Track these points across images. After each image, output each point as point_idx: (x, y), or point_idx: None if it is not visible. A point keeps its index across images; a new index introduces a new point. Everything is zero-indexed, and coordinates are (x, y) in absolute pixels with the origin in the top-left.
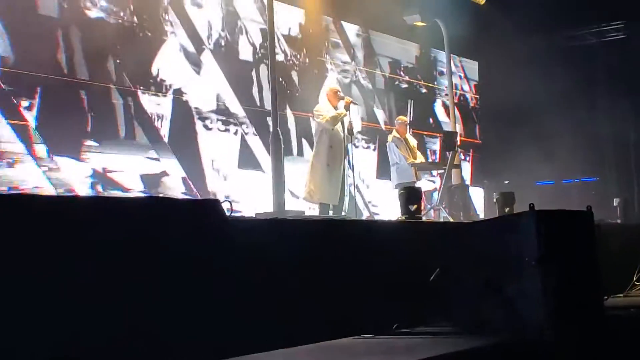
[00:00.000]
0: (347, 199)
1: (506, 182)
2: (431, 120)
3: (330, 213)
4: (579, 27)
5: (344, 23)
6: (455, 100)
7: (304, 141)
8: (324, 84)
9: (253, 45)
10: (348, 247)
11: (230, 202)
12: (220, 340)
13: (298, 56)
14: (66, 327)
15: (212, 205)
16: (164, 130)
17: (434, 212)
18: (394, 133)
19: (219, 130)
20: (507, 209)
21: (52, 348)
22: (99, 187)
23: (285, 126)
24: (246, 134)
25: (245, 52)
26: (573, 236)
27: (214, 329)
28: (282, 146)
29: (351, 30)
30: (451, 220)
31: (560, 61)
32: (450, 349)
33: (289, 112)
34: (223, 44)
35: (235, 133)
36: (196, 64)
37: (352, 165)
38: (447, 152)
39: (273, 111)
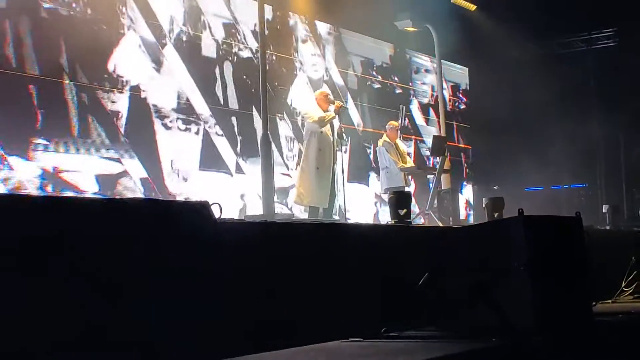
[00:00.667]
0: (337, 201)
1: (495, 187)
2: (407, 121)
3: (320, 216)
4: (569, 34)
5: (314, 21)
6: (432, 102)
7: (273, 143)
8: (293, 82)
9: (217, 41)
10: (337, 250)
11: (219, 205)
12: (209, 342)
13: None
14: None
15: (201, 208)
16: (121, 129)
17: (424, 216)
18: (385, 137)
19: (179, 129)
20: (496, 214)
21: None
22: (49, 188)
23: (251, 127)
24: (209, 133)
25: (209, 49)
26: (562, 242)
27: (202, 331)
28: (273, 150)
29: (322, 28)
30: (440, 225)
31: (550, 68)
32: (438, 354)
33: (254, 112)
34: (185, 39)
35: (197, 132)
36: (156, 60)
37: (342, 168)
38: (437, 158)
39: (263, 113)
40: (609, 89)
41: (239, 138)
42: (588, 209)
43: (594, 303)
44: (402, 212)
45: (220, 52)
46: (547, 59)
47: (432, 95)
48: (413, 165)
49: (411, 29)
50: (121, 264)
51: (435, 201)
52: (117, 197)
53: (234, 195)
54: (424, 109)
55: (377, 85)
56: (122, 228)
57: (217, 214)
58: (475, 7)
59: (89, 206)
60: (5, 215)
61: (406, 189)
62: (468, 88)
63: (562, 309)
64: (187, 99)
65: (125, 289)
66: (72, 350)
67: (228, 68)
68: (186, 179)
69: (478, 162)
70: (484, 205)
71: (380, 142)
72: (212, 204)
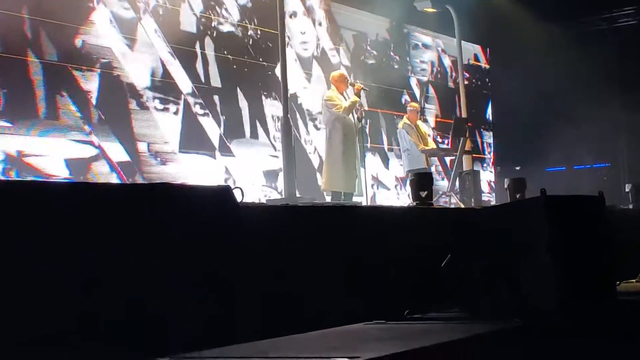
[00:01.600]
0: (357, 180)
1: (517, 168)
2: (404, 99)
3: (342, 199)
4: (590, 13)
5: None
6: (432, 79)
7: (257, 123)
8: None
9: (196, 15)
10: (360, 233)
11: (241, 189)
12: (231, 327)
13: (247, 26)
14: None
15: (223, 193)
16: (93, 110)
17: (446, 198)
18: (405, 120)
19: (157, 109)
20: (518, 195)
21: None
22: (13, 174)
23: (235, 107)
24: (189, 113)
25: (188, 23)
26: (585, 222)
27: (224, 316)
28: (293, 134)
29: (313, 1)
30: (462, 206)
31: (571, 47)
32: (461, 335)
33: (239, 91)
34: (162, 12)
35: (176, 112)
36: (130, 35)
37: (364, 152)
38: (457, 139)
39: (284, 96)
40: (631, 68)
41: (222, 118)
42: (611, 189)
43: (617, 282)
44: (424, 193)
45: (201, 28)
46: (568, 37)
47: (432, 72)
48: (435, 146)
49: (430, 9)
50: (142, 249)
51: (457, 182)
52: (129, 182)
53: (218, 178)
54: (423, 86)
55: (371, 61)
56: (143, 214)
57: (239, 199)
58: None
59: (109, 192)
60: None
61: (428, 170)
62: (470, 62)
63: (586, 289)
64: (165, 77)
65: (145, 273)
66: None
67: (209, 43)
68: (165, 162)
69: (500, 143)
70: (505, 186)
71: (400, 125)
72: (234, 188)
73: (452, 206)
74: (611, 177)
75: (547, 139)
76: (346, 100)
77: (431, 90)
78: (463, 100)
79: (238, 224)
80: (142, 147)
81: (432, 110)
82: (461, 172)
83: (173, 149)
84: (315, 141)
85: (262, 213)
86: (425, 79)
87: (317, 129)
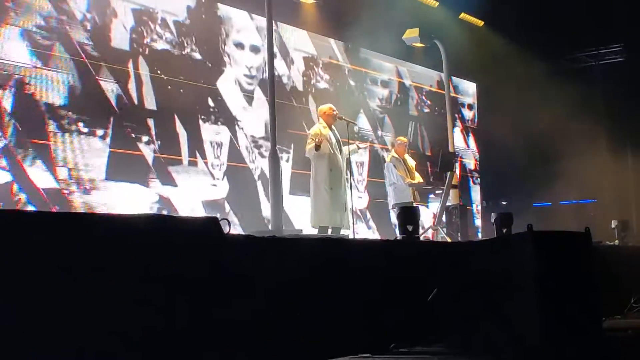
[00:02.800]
0: (345, 214)
1: (504, 203)
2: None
3: (329, 231)
4: (576, 50)
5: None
6: (390, 106)
7: (196, 149)
8: (219, 80)
9: (127, 30)
10: (345, 265)
11: (227, 220)
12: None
13: (185, 45)
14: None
15: (210, 224)
16: (6, 131)
17: (432, 232)
18: (393, 153)
19: (82, 132)
20: (505, 230)
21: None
22: None
23: (172, 131)
24: (119, 136)
25: (120, 40)
26: (571, 257)
27: (211, 346)
28: (280, 166)
29: (260, 21)
30: (449, 240)
31: (558, 83)
32: None
33: (175, 114)
34: (90, 27)
35: (103, 137)
36: (45, 50)
37: (351, 184)
38: (444, 173)
39: (272, 129)
40: (616, 104)
41: (157, 142)
42: (597, 225)
43: (603, 318)
44: (411, 227)
45: (134, 45)
46: (555, 74)
47: (390, 99)
48: (422, 180)
49: (419, 44)
50: (129, 278)
51: (444, 217)
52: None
53: (150, 209)
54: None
55: (323, 85)
56: (127, 244)
57: (225, 229)
58: (483, 22)
59: (102, 224)
60: None
61: (414, 204)
62: (477, 103)
63: (572, 324)
64: (91, 97)
65: (131, 302)
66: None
67: (142, 62)
68: (89, 191)
69: (486, 178)
70: (492, 221)
71: (388, 158)
72: (221, 219)
73: (439, 240)
74: (597, 213)
75: (533, 174)
76: (333, 134)
77: (387, 119)
78: (450, 133)
79: (225, 254)
80: (62, 173)
81: (389, 137)
82: (448, 206)
83: (99, 176)
84: (259, 169)
85: (248, 244)
86: (383, 103)
87: (263, 156)
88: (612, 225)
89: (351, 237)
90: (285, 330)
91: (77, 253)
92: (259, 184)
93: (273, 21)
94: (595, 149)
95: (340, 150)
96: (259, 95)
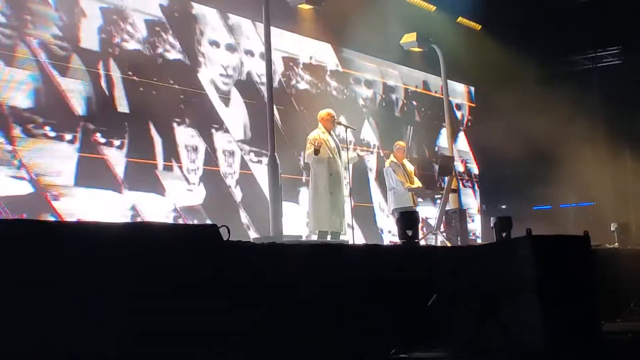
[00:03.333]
0: (344, 220)
1: (503, 206)
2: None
3: (328, 237)
4: (575, 53)
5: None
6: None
7: (171, 154)
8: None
9: (97, 30)
10: (345, 271)
11: (227, 227)
12: None
13: (157, 44)
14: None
15: (209, 231)
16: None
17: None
18: (392, 158)
19: (48, 137)
20: (504, 234)
21: None
22: None
23: (144, 134)
24: (89, 142)
25: (89, 40)
26: (570, 261)
27: (210, 351)
28: (280, 171)
29: (235, 19)
30: (448, 245)
31: (556, 86)
32: None
33: (149, 117)
34: (57, 26)
35: (72, 141)
36: (7, 51)
37: (350, 189)
38: (443, 178)
39: (270, 133)
40: (615, 107)
41: (129, 147)
42: (596, 228)
43: (602, 322)
44: (410, 232)
45: (104, 46)
46: (553, 77)
47: (377, 102)
48: (420, 185)
49: (417, 49)
50: (130, 285)
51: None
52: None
53: (123, 216)
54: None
55: (303, 86)
56: (126, 252)
57: (224, 237)
58: (480, 26)
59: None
60: None
61: (414, 209)
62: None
63: (571, 328)
64: (57, 100)
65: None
66: None
67: (113, 64)
68: (57, 198)
69: (485, 182)
70: (492, 225)
71: (387, 163)
72: (220, 226)
73: (439, 244)
74: (596, 216)
75: (533, 178)
76: (332, 139)
77: (372, 120)
78: (449, 137)
79: (224, 260)
80: (31, 180)
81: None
82: (447, 211)
83: (67, 182)
84: (237, 173)
85: (247, 250)
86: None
87: (243, 160)
88: (612, 228)
89: (350, 242)
90: (285, 335)
91: (73, 260)
92: (237, 189)
93: (257, 22)
94: (593, 152)
95: (340, 155)
96: (235, 96)
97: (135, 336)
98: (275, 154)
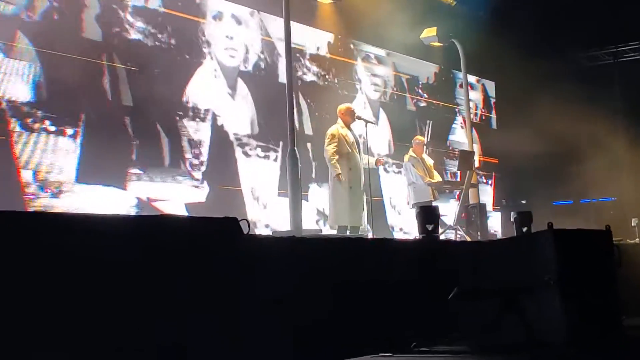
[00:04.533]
0: (364, 214)
1: (523, 201)
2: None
3: (347, 232)
4: (595, 48)
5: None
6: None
7: (176, 149)
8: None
9: (100, 21)
10: (365, 265)
11: (247, 220)
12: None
13: (160, 35)
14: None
15: (230, 224)
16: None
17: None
18: (411, 152)
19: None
20: (524, 229)
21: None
22: None
23: (151, 129)
24: (91, 137)
25: (92, 30)
26: (592, 256)
27: (232, 345)
28: (300, 165)
29: (238, 8)
30: (468, 239)
31: (577, 81)
32: None
33: (154, 111)
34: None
35: (74, 135)
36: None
37: (369, 184)
38: (464, 172)
39: (290, 130)
40: (635, 101)
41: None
42: (617, 223)
43: (623, 317)
44: (430, 227)
45: (107, 36)
46: (573, 72)
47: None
48: (440, 180)
49: (437, 44)
50: (152, 279)
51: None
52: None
53: (128, 213)
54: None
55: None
56: (147, 243)
57: (245, 230)
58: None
59: (122, 224)
60: None
61: (434, 203)
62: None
63: (593, 323)
64: (59, 93)
65: (155, 302)
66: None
67: (117, 55)
68: (57, 195)
69: (506, 177)
70: (512, 220)
71: (406, 158)
72: (241, 220)
73: (459, 239)
74: (618, 211)
75: (553, 173)
76: (351, 134)
77: (383, 113)
78: (468, 132)
79: (245, 254)
80: (26, 176)
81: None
82: (467, 205)
83: (68, 179)
84: (244, 169)
85: (268, 244)
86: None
87: (247, 155)
88: (633, 224)
89: (370, 237)
90: (307, 329)
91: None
92: (244, 184)
93: (262, 13)
94: (614, 147)
95: (359, 150)
96: (241, 88)
97: (153, 328)
98: (295, 148)
